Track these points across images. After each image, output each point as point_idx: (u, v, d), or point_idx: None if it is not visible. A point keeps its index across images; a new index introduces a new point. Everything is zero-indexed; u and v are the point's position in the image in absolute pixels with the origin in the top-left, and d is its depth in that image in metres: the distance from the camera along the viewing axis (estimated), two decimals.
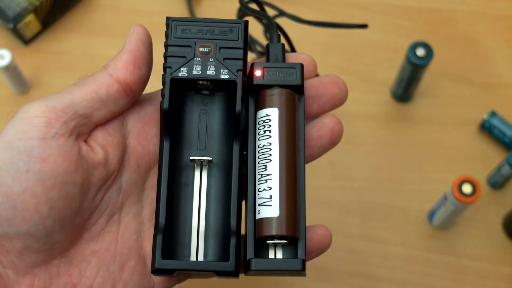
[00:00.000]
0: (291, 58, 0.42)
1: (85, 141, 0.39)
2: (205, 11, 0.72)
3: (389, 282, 0.61)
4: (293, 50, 0.57)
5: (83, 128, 0.38)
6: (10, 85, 0.66)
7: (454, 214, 0.59)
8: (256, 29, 0.59)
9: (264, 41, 0.60)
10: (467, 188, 0.56)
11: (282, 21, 0.58)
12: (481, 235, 0.63)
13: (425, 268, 0.61)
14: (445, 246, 0.62)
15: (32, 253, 0.37)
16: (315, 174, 0.64)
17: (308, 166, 0.42)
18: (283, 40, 0.55)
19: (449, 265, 0.61)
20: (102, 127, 0.39)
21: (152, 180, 0.41)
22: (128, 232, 0.40)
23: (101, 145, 0.39)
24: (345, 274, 0.61)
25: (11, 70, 0.63)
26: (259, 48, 0.61)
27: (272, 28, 0.43)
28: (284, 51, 0.42)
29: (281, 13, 0.58)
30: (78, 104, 0.38)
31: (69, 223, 0.37)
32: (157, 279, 0.40)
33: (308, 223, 0.40)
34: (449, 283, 0.61)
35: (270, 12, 0.57)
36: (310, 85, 0.42)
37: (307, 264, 0.40)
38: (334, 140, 0.42)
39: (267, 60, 0.41)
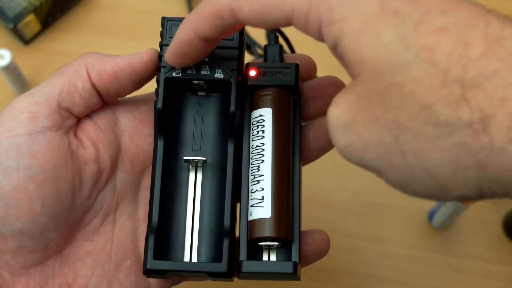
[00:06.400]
0: (290, 59, 0.42)
1: (75, 135, 0.39)
2: None
3: (389, 282, 0.61)
4: (293, 52, 0.57)
5: (68, 121, 0.38)
6: (10, 85, 0.66)
7: (454, 214, 0.59)
8: (257, 32, 0.59)
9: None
10: None
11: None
12: (481, 235, 0.62)
13: (425, 268, 0.61)
14: (445, 246, 0.62)
15: (27, 253, 0.37)
16: (315, 174, 0.64)
17: (308, 167, 0.42)
18: (283, 42, 0.55)
19: (449, 265, 0.61)
20: (94, 122, 0.39)
21: (147, 180, 0.41)
22: (123, 232, 0.40)
23: (92, 140, 0.39)
24: (345, 274, 0.61)
25: (11, 70, 0.63)
26: (259, 51, 0.61)
27: (269, 30, 0.43)
28: (281, 52, 0.41)
29: None
30: (58, 95, 0.38)
31: (62, 220, 0.37)
32: (153, 279, 0.40)
33: (308, 223, 0.40)
34: (449, 283, 0.61)
35: None
36: (308, 86, 0.42)
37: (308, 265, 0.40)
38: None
39: (265, 62, 0.41)
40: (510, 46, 0.27)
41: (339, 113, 0.30)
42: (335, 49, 0.30)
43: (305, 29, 0.31)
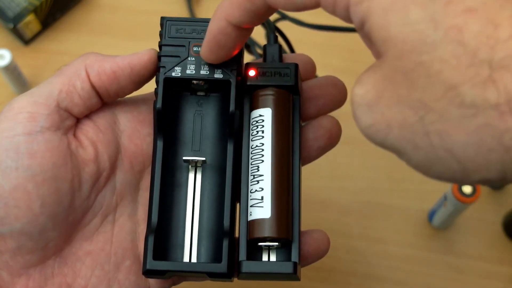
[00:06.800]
0: (289, 59, 0.42)
1: (75, 135, 0.39)
2: (205, 12, 0.72)
3: (389, 282, 0.61)
4: (292, 51, 0.57)
5: (67, 121, 0.38)
6: (10, 85, 0.66)
7: (454, 214, 0.59)
8: (257, 31, 0.59)
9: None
10: (467, 188, 0.56)
11: (283, 22, 0.58)
12: (481, 235, 0.62)
13: (425, 268, 0.61)
14: (445, 246, 0.62)
15: (26, 253, 0.37)
16: (314, 174, 0.64)
17: (307, 167, 0.42)
18: (282, 42, 0.55)
19: (449, 265, 0.61)
20: (93, 122, 0.39)
21: (147, 180, 0.41)
22: (123, 232, 0.40)
23: (91, 140, 0.39)
24: (345, 274, 0.61)
25: (11, 70, 0.63)
26: (259, 51, 0.61)
27: (269, 30, 0.43)
28: (281, 52, 0.41)
29: (283, 17, 0.58)
30: (58, 96, 0.38)
31: (62, 220, 0.37)
32: (152, 279, 0.40)
33: (308, 224, 0.40)
34: (449, 283, 0.61)
35: (273, 15, 0.57)
36: (308, 86, 0.42)
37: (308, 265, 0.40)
38: (332, 142, 0.41)
39: (264, 62, 0.41)
40: None
41: (363, 92, 0.29)
42: (362, 28, 0.30)
43: (333, 10, 0.31)
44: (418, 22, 0.27)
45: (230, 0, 0.35)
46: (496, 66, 0.26)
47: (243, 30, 0.36)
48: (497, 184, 0.28)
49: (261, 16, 0.35)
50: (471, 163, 0.27)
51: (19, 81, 0.65)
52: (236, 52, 0.38)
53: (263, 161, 0.38)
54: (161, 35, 0.40)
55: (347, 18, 0.31)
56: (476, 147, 0.26)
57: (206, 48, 0.37)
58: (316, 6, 0.32)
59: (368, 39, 0.30)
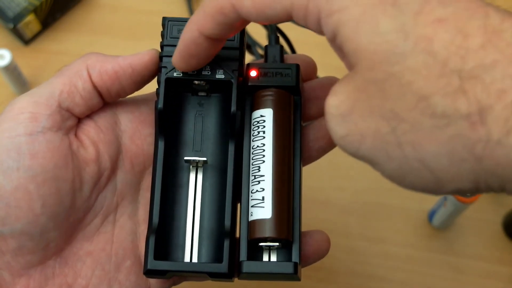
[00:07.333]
0: (290, 59, 0.42)
1: (76, 135, 0.39)
2: None
3: (389, 282, 0.61)
4: (293, 52, 0.57)
5: (69, 121, 0.38)
6: (10, 85, 0.66)
7: (454, 214, 0.59)
8: (258, 32, 0.59)
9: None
10: None
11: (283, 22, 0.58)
12: (481, 235, 0.62)
13: (425, 268, 0.61)
14: (445, 246, 0.62)
15: (27, 253, 0.37)
16: (315, 174, 0.64)
17: (307, 167, 0.42)
18: (283, 42, 0.55)
19: (449, 265, 0.61)
20: (94, 122, 0.39)
21: (147, 180, 0.41)
22: (123, 232, 0.40)
23: (92, 141, 0.39)
24: (345, 274, 0.61)
25: (11, 70, 0.63)
26: (260, 51, 0.61)
27: (270, 31, 0.43)
28: (282, 53, 0.41)
29: None
30: (59, 96, 0.38)
31: (62, 221, 0.37)
32: (153, 279, 0.40)
33: (308, 224, 0.40)
34: (449, 283, 0.61)
35: None
36: (309, 87, 0.42)
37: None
38: (332, 142, 0.41)
39: (266, 62, 0.41)
40: (509, 38, 0.26)
41: (337, 103, 0.29)
42: (334, 40, 0.30)
43: (304, 22, 0.31)
44: (388, 33, 0.28)
45: (203, 13, 0.35)
46: (466, 76, 0.26)
47: (215, 40, 0.36)
48: (471, 194, 0.28)
49: (234, 28, 0.35)
50: (444, 173, 0.27)
51: (19, 81, 0.65)
52: (208, 61, 0.38)
53: (264, 161, 0.38)
54: (162, 35, 0.40)
55: (319, 31, 0.31)
56: (449, 157, 0.27)
57: (177, 56, 0.37)
58: (288, 18, 0.32)
59: (340, 51, 0.30)
